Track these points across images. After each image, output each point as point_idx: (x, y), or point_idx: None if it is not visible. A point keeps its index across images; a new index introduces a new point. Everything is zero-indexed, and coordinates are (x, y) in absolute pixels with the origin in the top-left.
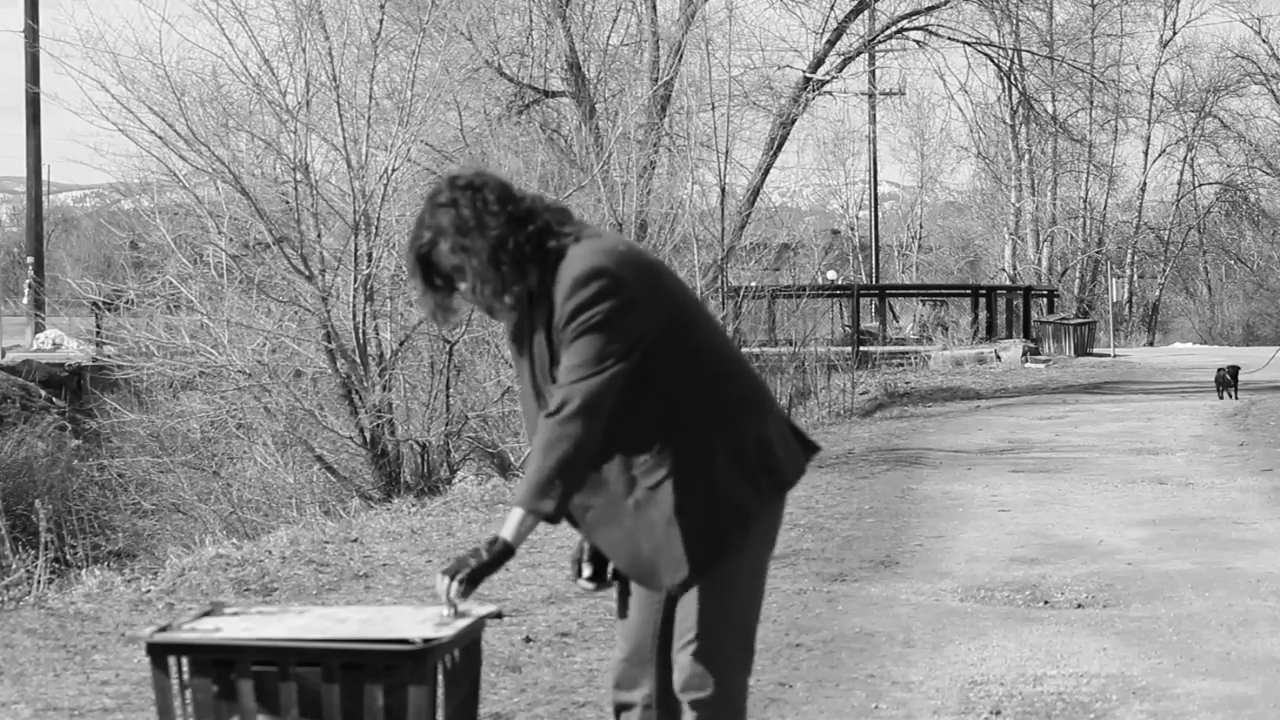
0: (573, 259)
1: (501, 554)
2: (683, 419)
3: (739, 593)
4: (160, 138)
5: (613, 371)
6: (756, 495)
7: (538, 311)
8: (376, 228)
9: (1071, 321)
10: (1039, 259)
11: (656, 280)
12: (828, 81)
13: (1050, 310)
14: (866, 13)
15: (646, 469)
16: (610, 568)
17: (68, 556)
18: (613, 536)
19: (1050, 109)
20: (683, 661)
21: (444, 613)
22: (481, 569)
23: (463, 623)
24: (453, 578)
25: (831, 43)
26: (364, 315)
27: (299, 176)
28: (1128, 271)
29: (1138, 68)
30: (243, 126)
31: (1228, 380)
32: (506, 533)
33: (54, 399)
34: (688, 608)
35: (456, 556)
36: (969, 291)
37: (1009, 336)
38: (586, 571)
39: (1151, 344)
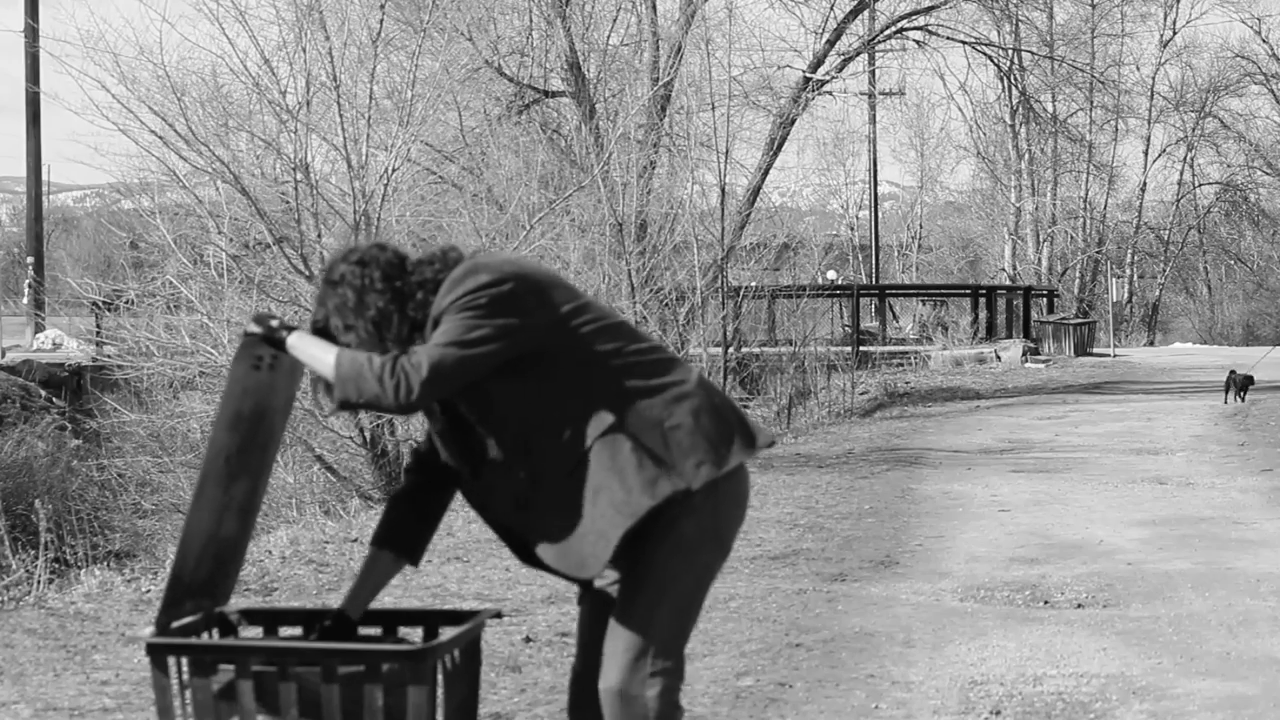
0: (455, 269)
1: (278, 341)
2: (593, 411)
3: (665, 599)
4: (160, 138)
5: (476, 353)
6: (670, 480)
7: None
8: (376, 228)
9: (1071, 321)
10: (1039, 259)
11: (546, 284)
12: (827, 81)
13: (1050, 310)
14: (866, 13)
15: (563, 466)
16: None
17: (68, 556)
18: (534, 540)
19: (1050, 109)
20: (605, 671)
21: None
22: (269, 331)
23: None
24: (258, 321)
25: (831, 43)
26: None
27: (299, 176)
28: (1128, 271)
29: (1138, 68)
30: (243, 126)
31: (1236, 384)
32: (297, 336)
33: (54, 399)
34: (617, 614)
35: (263, 316)
36: (969, 291)
37: (1009, 336)
38: None
39: (1151, 344)
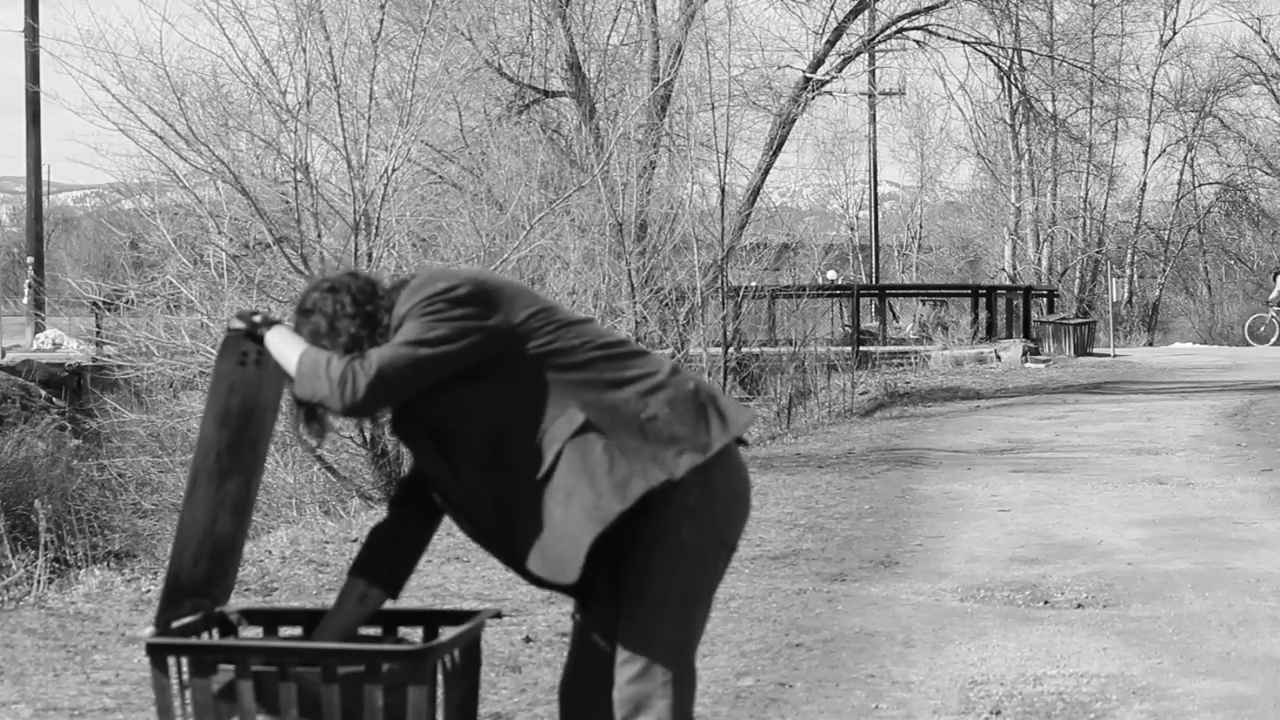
0: (414, 278)
1: (259, 337)
2: (567, 408)
3: (668, 606)
4: (160, 137)
5: (431, 353)
6: (643, 478)
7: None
8: (376, 228)
9: (1071, 321)
10: (1039, 259)
11: (505, 290)
12: (828, 81)
13: (1050, 310)
14: (866, 13)
15: (537, 471)
16: None
17: (68, 556)
18: (518, 546)
19: (1050, 109)
20: (618, 682)
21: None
22: (251, 326)
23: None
24: (243, 318)
25: (831, 43)
26: None
27: (299, 176)
28: (1128, 271)
29: (1138, 67)
30: (243, 126)
31: None
32: (275, 333)
33: (54, 399)
34: (622, 624)
35: (245, 313)
36: (969, 291)
37: (1009, 336)
38: None
39: (1151, 344)
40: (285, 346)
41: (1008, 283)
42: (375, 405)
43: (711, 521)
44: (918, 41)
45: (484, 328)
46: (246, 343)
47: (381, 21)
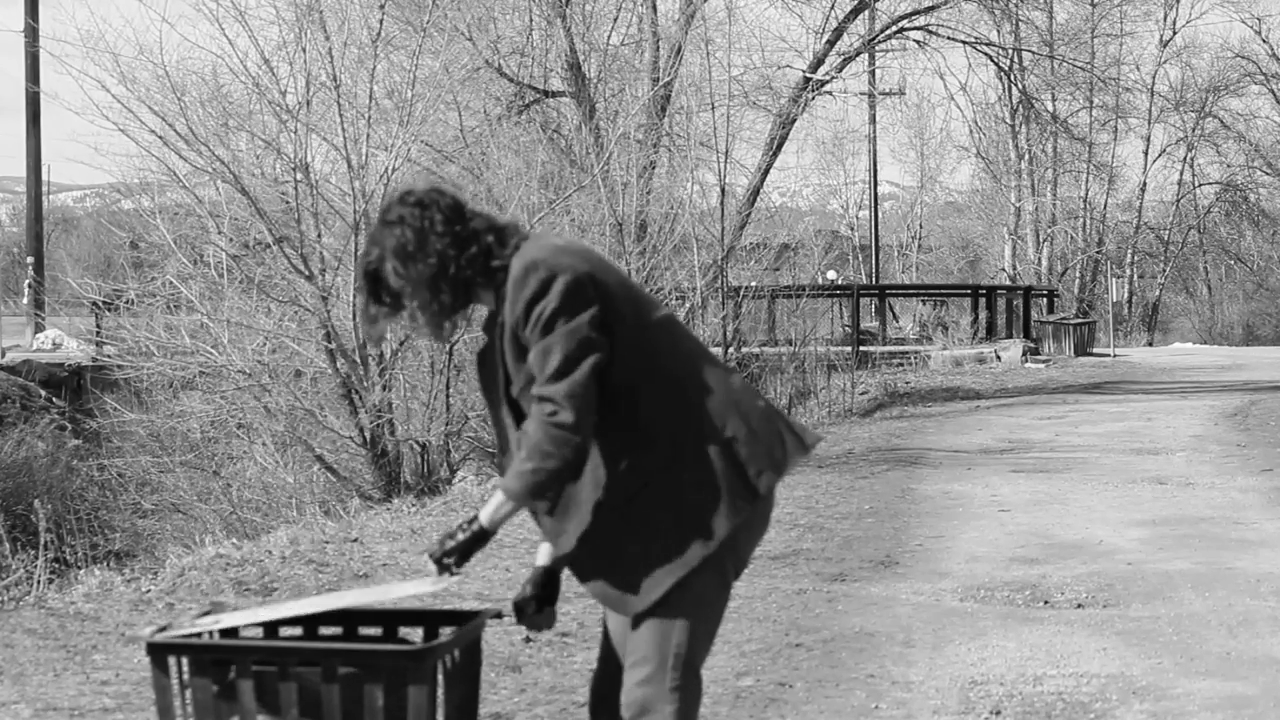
0: (513, 267)
1: (477, 537)
2: (650, 431)
3: (682, 612)
4: (160, 137)
5: (592, 361)
6: (730, 512)
7: (496, 330)
8: None
9: (1071, 321)
10: (1039, 259)
11: (603, 269)
12: (828, 81)
13: (1050, 310)
14: (866, 12)
15: (617, 487)
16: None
17: (68, 556)
18: (581, 558)
19: (1050, 109)
20: (626, 684)
21: (431, 584)
22: (460, 548)
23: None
24: (437, 561)
25: (831, 43)
26: None
27: (299, 176)
28: (1128, 271)
29: (1138, 67)
30: (243, 126)
31: None
32: (484, 516)
33: (54, 399)
34: (638, 628)
35: (437, 541)
36: (969, 291)
37: (1009, 336)
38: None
39: (1151, 344)
40: (498, 506)
41: (1008, 283)
42: (590, 426)
43: (731, 537)
44: (918, 41)
45: (598, 312)
46: (456, 559)
47: (381, 21)
